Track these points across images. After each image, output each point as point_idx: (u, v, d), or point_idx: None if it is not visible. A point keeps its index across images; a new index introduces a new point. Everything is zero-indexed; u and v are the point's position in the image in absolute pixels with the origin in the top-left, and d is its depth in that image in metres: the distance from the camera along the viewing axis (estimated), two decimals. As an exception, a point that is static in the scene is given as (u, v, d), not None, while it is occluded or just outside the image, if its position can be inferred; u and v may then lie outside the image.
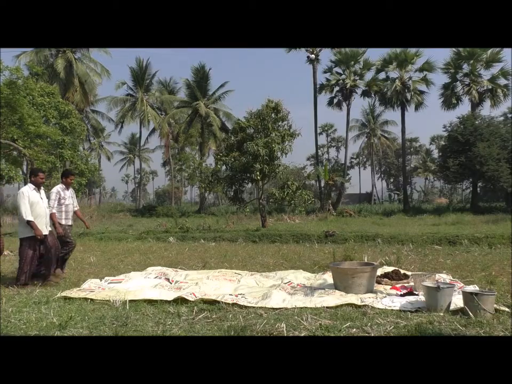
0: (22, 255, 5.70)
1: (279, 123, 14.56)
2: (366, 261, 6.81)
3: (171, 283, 5.82)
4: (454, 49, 26.26)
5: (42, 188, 5.99)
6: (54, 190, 6.41)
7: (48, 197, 6.25)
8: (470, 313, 3.91)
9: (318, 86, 29.23)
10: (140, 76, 34.80)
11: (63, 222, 6.37)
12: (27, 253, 5.66)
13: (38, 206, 5.76)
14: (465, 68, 27.22)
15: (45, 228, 5.81)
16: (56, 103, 22.55)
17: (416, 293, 4.81)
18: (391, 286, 5.28)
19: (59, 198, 6.34)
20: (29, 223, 5.58)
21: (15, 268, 7.03)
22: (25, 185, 6.42)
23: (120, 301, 4.55)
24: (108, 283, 5.71)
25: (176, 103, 35.63)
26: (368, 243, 10.15)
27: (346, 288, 4.99)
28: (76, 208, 6.69)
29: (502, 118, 30.56)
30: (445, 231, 11.27)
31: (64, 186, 6.48)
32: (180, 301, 4.64)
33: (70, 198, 6.50)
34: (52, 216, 6.15)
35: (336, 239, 10.70)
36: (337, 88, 29.61)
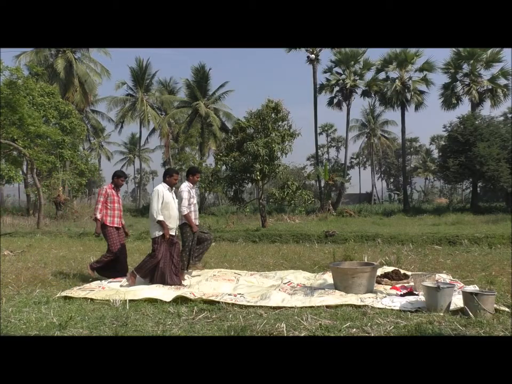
0: (151, 254, 5.65)
1: (279, 123, 14.55)
2: (366, 261, 6.81)
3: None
4: (454, 49, 26.25)
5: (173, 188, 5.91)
6: (185, 189, 6.18)
7: (179, 197, 6.14)
8: (470, 313, 3.91)
9: (318, 86, 29.22)
10: (140, 76, 34.79)
11: (195, 222, 6.26)
12: (153, 251, 5.62)
13: (171, 206, 5.68)
14: (465, 68, 27.21)
15: (175, 230, 5.77)
16: (56, 103, 22.55)
17: (416, 293, 4.81)
18: (391, 286, 5.28)
19: (189, 198, 6.17)
20: (159, 222, 5.55)
21: (16, 268, 7.05)
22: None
23: (120, 301, 4.55)
24: (108, 282, 5.72)
25: (176, 103, 35.63)
26: (368, 243, 10.15)
27: (346, 288, 4.99)
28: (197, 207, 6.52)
29: (502, 118, 30.57)
30: (445, 231, 11.26)
31: (191, 185, 6.31)
32: (180, 301, 4.64)
33: (196, 197, 6.33)
34: (187, 217, 6.06)
35: (336, 239, 10.71)
36: (337, 88, 29.59)
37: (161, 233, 5.57)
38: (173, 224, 5.71)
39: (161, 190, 5.65)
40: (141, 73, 34.79)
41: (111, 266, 6.16)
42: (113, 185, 6.30)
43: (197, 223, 6.34)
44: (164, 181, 5.82)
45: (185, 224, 6.10)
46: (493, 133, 23.84)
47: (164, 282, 5.49)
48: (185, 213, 6.05)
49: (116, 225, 6.22)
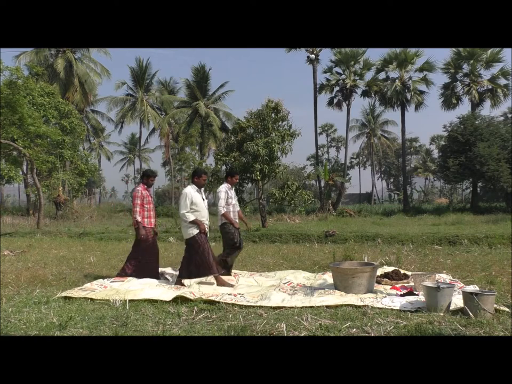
0: (191, 253, 5.65)
1: (279, 123, 14.55)
2: (366, 261, 6.81)
3: (169, 279, 5.91)
4: (454, 49, 26.25)
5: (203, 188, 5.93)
6: (222, 189, 6.20)
7: (216, 197, 6.18)
8: (470, 313, 3.91)
9: (318, 86, 29.20)
10: (140, 76, 34.81)
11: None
12: (198, 248, 5.63)
13: (201, 206, 5.70)
14: (465, 68, 27.22)
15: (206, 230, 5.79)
16: (56, 103, 22.55)
17: (416, 293, 4.81)
18: (391, 286, 5.28)
19: (227, 198, 6.17)
20: (192, 222, 5.58)
21: (16, 268, 7.05)
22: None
23: (120, 301, 4.55)
24: (110, 281, 5.71)
25: (176, 103, 35.65)
26: (368, 243, 10.15)
27: (346, 288, 4.99)
28: (237, 209, 6.49)
29: (502, 118, 30.61)
30: (445, 231, 11.26)
31: (230, 186, 6.30)
32: (180, 301, 4.64)
33: (235, 197, 6.33)
34: (226, 215, 6.08)
35: (336, 239, 10.70)
36: (337, 88, 29.58)
37: (197, 231, 5.61)
38: (206, 223, 5.76)
39: (189, 191, 5.68)
40: (141, 73, 34.80)
41: (144, 267, 6.09)
42: (145, 186, 6.23)
43: (237, 226, 6.32)
44: (193, 181, 5.85)
45: (225, 223, 6.15)
46: (493, 133, 23.83)
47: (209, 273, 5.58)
48: (222, 212, 6.09)
49: (152, 226, 6.21)
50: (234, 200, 6.30)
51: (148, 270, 6.06)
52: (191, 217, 5.57)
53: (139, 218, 6.00)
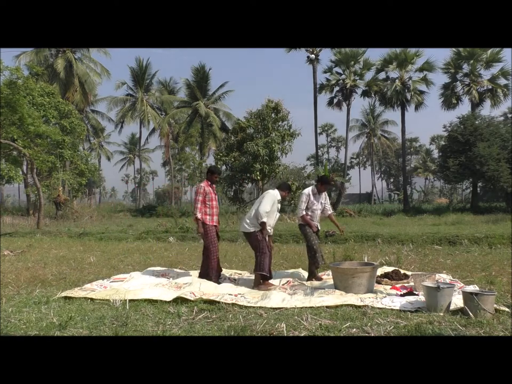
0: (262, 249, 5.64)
1: (279, 123, 14.57)
2: (366, 261, 6.81)
3: (169, 278, 5.91)
4: (454, 49, 26.27)
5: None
6: (306, 192, 6.18)
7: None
8: (470, 313, 3.91)
9: (318, 86, 29.22)
10: (140, 76, 34.81)
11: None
12: (263, 243, 5.63)
13: (273, 215, 5.75)
14: (465, 68, 27.24)
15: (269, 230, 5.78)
16: (56, 103, 22.55)
17: (416, 293, 4.81)
18: (391, 286, 5.28)
19: (308, 201, 6.13)
20: (262, 224, 5.57)
21: (16, 268, 7.05)
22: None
23: (120, 301, 4.55)
24: (110, 281, 5.72)
25: (176, 103, 35.65)
26: (368, 243, 10.15)
27: (346, 288, 4.99)
28: (329, 212, 6.43)
29: (502, 118, 30.61)
30: (445, 231, 11.26)
31: (315, 190, 6.23)
32: (180, 301, 4.64)
33: (319, 203, 6.24)
34: (303, 219, 6.08)
35: (336, 239, 10.69)
36: (337, 88, 29.61)
37: (258, 229, 5.62)
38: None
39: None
40: (141, 73, 34.80)
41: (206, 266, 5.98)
42: (209, 182, 6.10)
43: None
44: (278, 188, 5.93)
45: (303, 224, 6.15)
46: (493, 133, 23.84)
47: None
48: (300, 215, 6.12)
49: (214, 224, 6.01)
50: (316, 206, 6.23)
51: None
52: (265, 218, 5.57)
53: (199, 215, 5.83)
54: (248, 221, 5.66)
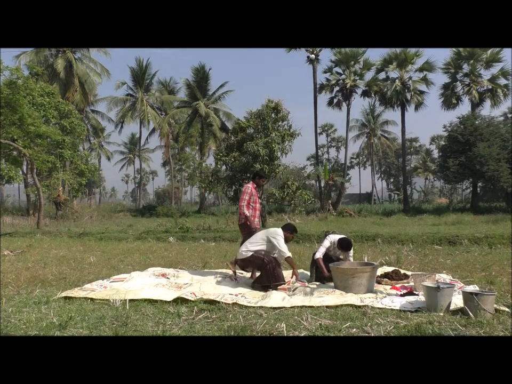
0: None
1: (279, 123, 14.57)
2: (366, 261, 6.80)
3: (169, 278, 5.91)
4: (454, 49, 26.27)
5: None
6: (325, 243, 5.80)
7: None
8: (470, 313, 3.91)
9: (318, 86, 29.21)
10: (140, 76, 34.82)
11: None
12: None
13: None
14: (465, 68, 27.24)
15: None
16: (56, 103, 22.56)
17: (416, 293, 4.81)
18: (391, 286, 5.28)
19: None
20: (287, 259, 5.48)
21: (16, 268, 7.05)
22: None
23: (120, 301, 4.55)
24: (110, 281, 5.71)
25: (176, 103, 35.63)
26: (368, 243, 10.15)
27: (346, 288, 4.99)
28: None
29: (502, 118, 30.62)
30: (445, 231, 11.26)
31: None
32: (180, 301, 4.64)
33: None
34: (318, 262, 5.72)
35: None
36: (337, 88, 29.59)
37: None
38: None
39: (279, 234, 5.77)
40: (141, 73, 34.81)
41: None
42: (255, 185, 6.16)
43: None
44: (283, 228, 5.80)
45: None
46: (493, 133, 23.84)
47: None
48: (316, 257, 5.80)
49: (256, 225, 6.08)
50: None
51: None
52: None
53: (248, 213, 5.89)
54: (244, 249, 5.60)
